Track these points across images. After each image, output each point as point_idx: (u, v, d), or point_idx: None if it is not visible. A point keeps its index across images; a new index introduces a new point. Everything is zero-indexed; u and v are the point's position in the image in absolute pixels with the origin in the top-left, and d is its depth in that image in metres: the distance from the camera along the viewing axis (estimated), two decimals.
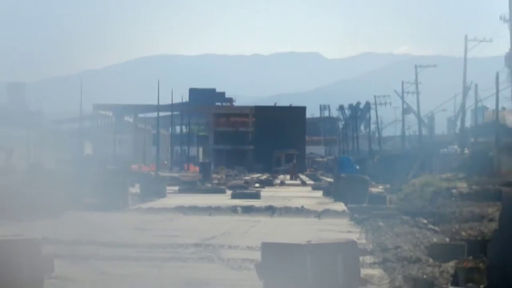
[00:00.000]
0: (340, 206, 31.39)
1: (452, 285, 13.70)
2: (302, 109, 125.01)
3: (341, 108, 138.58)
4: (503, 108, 64.11)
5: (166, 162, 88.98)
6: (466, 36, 60.36)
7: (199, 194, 42.38)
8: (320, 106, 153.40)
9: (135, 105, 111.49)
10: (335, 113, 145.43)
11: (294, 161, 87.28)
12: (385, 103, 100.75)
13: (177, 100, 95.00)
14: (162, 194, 38.46)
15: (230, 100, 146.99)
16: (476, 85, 62.16)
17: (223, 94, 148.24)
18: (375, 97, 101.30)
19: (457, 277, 13.80)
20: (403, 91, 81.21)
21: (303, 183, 61.30)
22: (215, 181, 56.57)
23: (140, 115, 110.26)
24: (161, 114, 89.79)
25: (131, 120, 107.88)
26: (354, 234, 19.79)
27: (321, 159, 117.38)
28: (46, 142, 71.77)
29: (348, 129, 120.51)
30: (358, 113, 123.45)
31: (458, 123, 68.57)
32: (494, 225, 16.08)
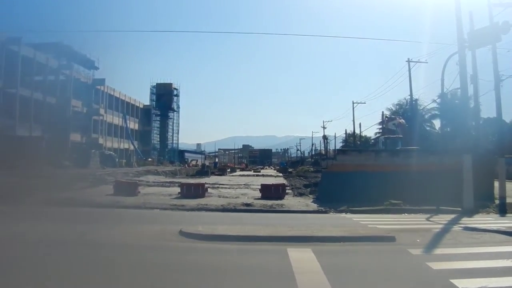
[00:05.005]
0: (281, 175, 56.19)
1: (309, 194, 22.84)
2: (270, 150, 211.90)
3: (281, 150, 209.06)
4: (323, 150, 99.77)
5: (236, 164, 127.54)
6: (312, 132, 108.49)
7: (245, 171, 78.38)
8: (276, 149, 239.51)
9: (231, 149, 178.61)
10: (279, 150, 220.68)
11: (269, 163, 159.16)
12: (291, 149, 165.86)
13: (239, 147, 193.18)
14: (235, 171, 73.69)
15: (252, 147, 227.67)
16: (314, 144, 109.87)
17: (251, 146, 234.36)
18: (288, 147, 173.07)
19: (307, 191, 23.84)
20: (296, 146, 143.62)
21: (272, 169, 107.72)
22: (249, 168, 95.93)
23: (231, 151, 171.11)
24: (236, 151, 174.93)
25: (230, 153, 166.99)
26: (285, 181, 34.94)
27: (276, 163, 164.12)
28: (207, 158, 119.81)
29: (283, 156, 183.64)
30: (285, 151, 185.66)
31: (311, 153, 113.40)
32: (319, 178, 25.65)
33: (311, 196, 23.73)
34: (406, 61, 43.99)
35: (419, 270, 7.86)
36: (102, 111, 66.58)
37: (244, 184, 32.94)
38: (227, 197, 22.22)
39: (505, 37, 17.55)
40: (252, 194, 23.93)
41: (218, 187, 28.69)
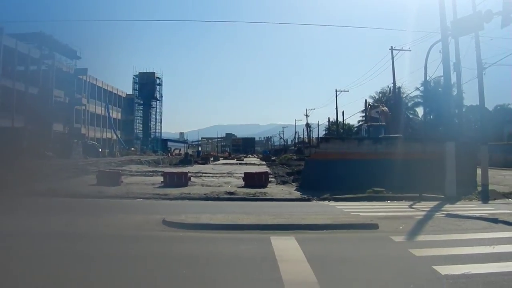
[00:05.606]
0: (264, 163, 52.18)
1: (292, 182, 22.56)
2: (253, 138, 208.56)
3: (264, 138, 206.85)
4: (306, 138, 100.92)
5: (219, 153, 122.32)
6: (295, 120, 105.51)
7: (228, 160, 74.61)
8: (259, 137, 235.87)
9: (214, 137, 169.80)
10: (262, 138, 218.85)
11: (252, 151, 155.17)
12: (274, 137, 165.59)
13: (222, 135, 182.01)
14: (218, 160, 69.64)
15: (235, 136, 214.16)
16: (297, 132, 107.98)
17: (234, 134, 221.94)
18: (272, 136, 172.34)
19: (290, 179, 23.67)
20: (279, 134, 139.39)
21: (255, 157, 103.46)
22: (232, 157, 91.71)
23: (214, 140, 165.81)
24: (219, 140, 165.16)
25: (212, 141, 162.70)
26: (268, 169, 33.20)
27: (259, 151, 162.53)
28: (190, 147, 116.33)
29: (267, 144, 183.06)
30: (269, 139, 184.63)
31: (295, 141, 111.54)
32: (302, 166, 25.65)
33: (294, 184, 23.60)
34: (390, 49, 43.91)
35: (402, 257, 7.89)
36: (84, 100, 65.87)
37: (227, 173, 32.68)
38: (210, 186, 22.04)
39: (488, 26, 17.58)
40: (235, 183, 23.75)
41: (201, 176, 28.41)
